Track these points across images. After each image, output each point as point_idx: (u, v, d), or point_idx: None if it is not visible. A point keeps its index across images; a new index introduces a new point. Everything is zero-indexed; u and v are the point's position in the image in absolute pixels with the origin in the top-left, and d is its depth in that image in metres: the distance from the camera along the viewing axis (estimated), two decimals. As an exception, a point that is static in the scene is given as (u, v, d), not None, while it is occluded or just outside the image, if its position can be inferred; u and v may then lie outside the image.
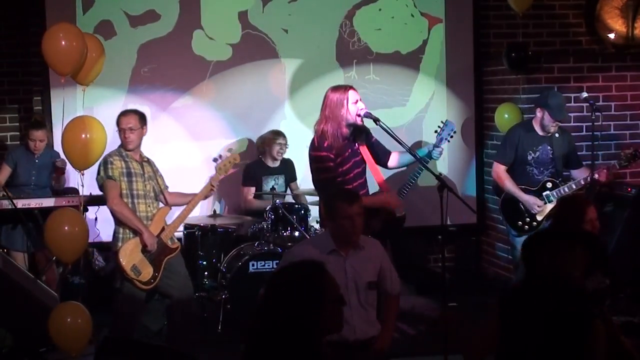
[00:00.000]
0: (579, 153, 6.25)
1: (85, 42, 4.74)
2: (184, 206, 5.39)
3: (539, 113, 5.91)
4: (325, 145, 5.07)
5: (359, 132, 5.21)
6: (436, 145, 5.26)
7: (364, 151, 5.26)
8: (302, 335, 2.63)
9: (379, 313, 4.27)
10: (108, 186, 5.13)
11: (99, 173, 5.17)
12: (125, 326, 5.17)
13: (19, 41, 6.98)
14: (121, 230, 5.18)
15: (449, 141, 5.41)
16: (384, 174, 5.44)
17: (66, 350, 4.74)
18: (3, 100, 7.04)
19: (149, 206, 5.25)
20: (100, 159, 5.11)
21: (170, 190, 5.54)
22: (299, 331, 2.62)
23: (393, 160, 5.45)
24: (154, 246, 5.16)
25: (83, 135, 4.78)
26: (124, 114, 5.32)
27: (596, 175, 5.84)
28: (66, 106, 6.71)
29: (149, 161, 5.39)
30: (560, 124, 5.95)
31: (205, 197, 5.51)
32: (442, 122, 5.39)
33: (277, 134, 6.84)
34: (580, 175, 6.01)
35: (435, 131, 5.33)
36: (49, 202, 5.97)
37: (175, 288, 5.29)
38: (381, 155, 5.38)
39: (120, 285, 5.20)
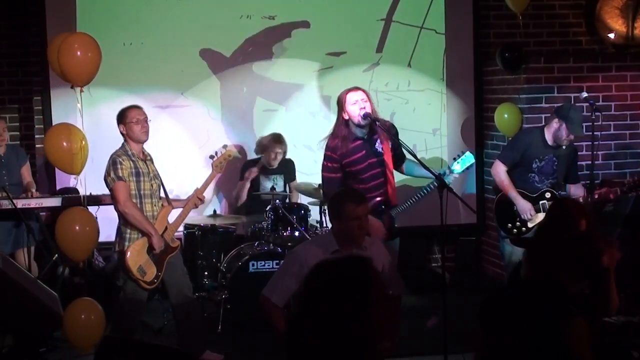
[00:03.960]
0: (579, 152, 6.24)
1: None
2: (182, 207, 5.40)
3: (555, 124, 5.79)
4: (331, 145, 5.17)
5: (381, 131, 5.16)
6: (450, 172, 5.17)
7: (387, 151, 5.19)
8: (351, 345, 2.24)
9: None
10: (118, 188, 5.07)
11: (108, 174, 5.11)
12: (126, 325, 5.19)
13: (19, 41, 6.99)
14: (128, 230, 5.15)
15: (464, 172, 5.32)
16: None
17: (78, 346, 4.80)
18: (3, 100, 7.04)
19: (155, 205, 5.25)
20: (108, 158, 5.13)
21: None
22: (347, 340, 2.24)
23: (405, 167, 5.41)
24: (162, 248, 5.18)
25: (64, 144, 4.73)
26: (134, 107, 5.27)
27: (608, 194, 5.87)
28: (66, 106, 6.77)
29: (151, 159, 5.36)
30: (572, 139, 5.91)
31: (201, 201, 5.45)
32: (462, 152, 5.33)
33: (276, 140, 6.78)
34: (575, 191, 5.97)
35: (454, 158, 5.25)
36: (50, 202, 5.99)
37: (172, 285, 5.32)
38: (396, 159, 5.33)
39: (124, 284, 5.23)
